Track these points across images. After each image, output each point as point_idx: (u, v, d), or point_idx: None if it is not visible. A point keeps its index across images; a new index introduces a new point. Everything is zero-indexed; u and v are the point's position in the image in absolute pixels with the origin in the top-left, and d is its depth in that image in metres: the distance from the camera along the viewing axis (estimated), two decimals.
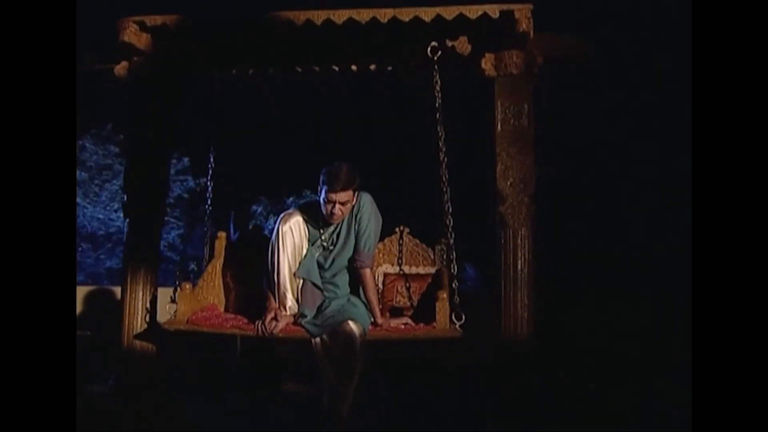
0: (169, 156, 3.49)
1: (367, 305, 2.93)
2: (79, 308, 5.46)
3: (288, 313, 2.88)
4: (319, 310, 2.89)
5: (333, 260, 2.96)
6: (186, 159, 14.27)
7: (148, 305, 3.13)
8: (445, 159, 2.96)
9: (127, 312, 3.13)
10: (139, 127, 3.26)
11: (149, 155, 3.25)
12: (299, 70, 3.38)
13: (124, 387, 3.11)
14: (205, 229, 3.36)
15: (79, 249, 12.92)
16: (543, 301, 3.01)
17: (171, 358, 3.25)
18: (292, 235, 2.91)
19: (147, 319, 3.13)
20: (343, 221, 2.94)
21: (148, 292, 3.15)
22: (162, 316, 3.08)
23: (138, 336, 3.10)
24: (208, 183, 3.31)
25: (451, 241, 2.92)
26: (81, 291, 5.55)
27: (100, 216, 13.66)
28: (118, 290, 3.35)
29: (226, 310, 3.27)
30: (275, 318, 2.82)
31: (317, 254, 2.98)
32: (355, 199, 2.89)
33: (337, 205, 2.82)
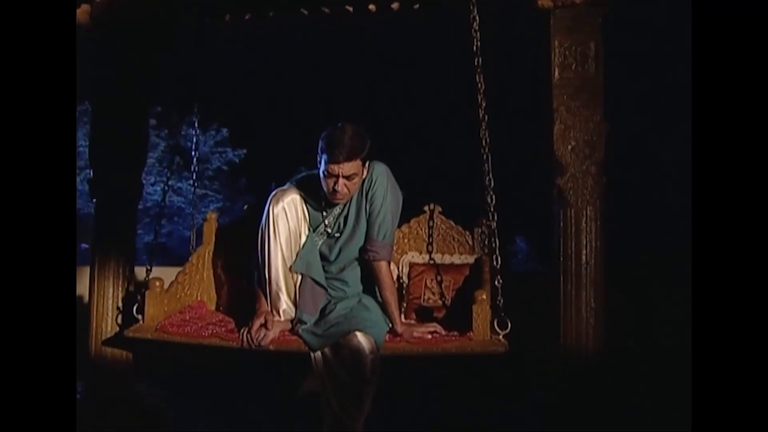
0: (146, 123, 2.90)
1: (384, 308, 2.29)
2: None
3: (282, 318, 2.27)
4: (323, 314, 2.27)
5: (340, 250, 2.32)
6: (225, 130, 14.05)
7: (120, 304, 2.61)
8: (486, 117, 2.38)
9: (95, 313, 2.62)
10: (106, 89, 2.71)
11: (119, 123, 2.69)
12: (305, 12, 2.75)
13: (93, 402, 2.59)
14: (191, 210, 2.79)
15: None
16: (615, 303, 2.33)
17: (150, 366, 2.72)
18: (287, 218, 2.28)
19: (119, 320, 2.59)
20: (351, 200, 2.29)
21: (120, 289, 2.63)
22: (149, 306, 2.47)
23: (107, 341, 2.57)
24: (193, 152, 2.75)
25: (494, 223, 2.34)
26: None
27: None
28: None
29: (217, 308, 2.70)
30: (265, 325, 2.22)
31: (320, 243, 2.34)
32: (365, 172, 2.24)
33: (341, 180, 2.16)
